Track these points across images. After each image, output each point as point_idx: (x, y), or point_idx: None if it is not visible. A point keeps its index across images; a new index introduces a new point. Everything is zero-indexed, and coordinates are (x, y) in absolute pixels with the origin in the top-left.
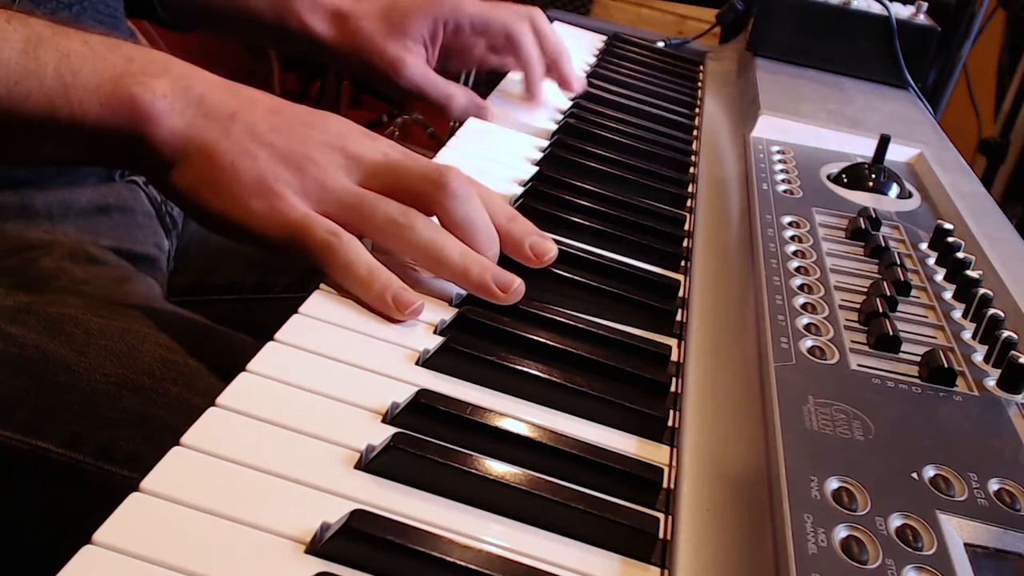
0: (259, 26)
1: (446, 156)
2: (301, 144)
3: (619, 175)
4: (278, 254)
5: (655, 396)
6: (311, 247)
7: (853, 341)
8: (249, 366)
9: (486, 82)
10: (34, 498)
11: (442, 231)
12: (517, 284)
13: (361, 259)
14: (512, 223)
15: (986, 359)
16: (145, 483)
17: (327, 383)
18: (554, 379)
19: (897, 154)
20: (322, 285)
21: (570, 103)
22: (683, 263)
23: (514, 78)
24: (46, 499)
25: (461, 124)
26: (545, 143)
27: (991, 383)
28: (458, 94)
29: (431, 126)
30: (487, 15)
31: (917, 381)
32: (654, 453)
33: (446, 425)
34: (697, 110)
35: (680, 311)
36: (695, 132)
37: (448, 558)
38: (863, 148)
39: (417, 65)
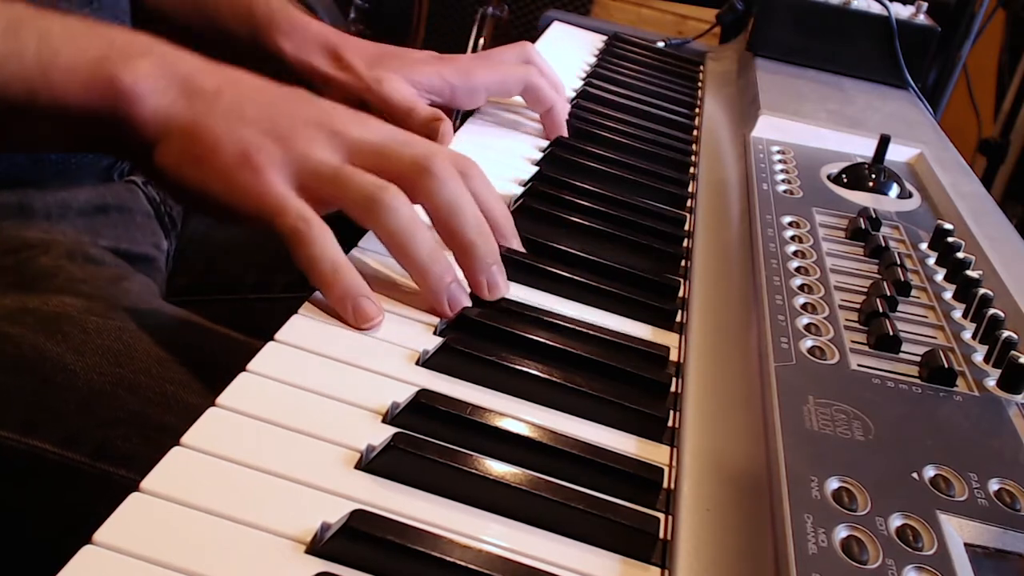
0: (234, 47)
1: None
2: (287, 120)
3: (619, 175)
4: (258, 230)
5: (655, 396)
6: (280, 232)
7: (853, 341)
8: (249, 366)
9: None
10: (31, 497)
11: (418, 222)
12: (464, 307)
13: (327, 255)
14: (506, 219)
15: (986, 359)
16: (145, 483)
17: (327, 383)
18: (554, 379)
19: (897, 154)
20: None
21: (570, 104)
22: (683, 263)
23: None
24: (43, 499)
25: (461, 124)
26: (545, 143)
27: (991, 383)
28: (420, 109)
29: None
30: (502, 82)
31: (917, 381)
32: (654, 453)
33: (446, 425)
34: (697, 110)
35: (680, 311)
36: (695, 132)
37: (448, 558)
38: (863, 148)
39: (397, 89)
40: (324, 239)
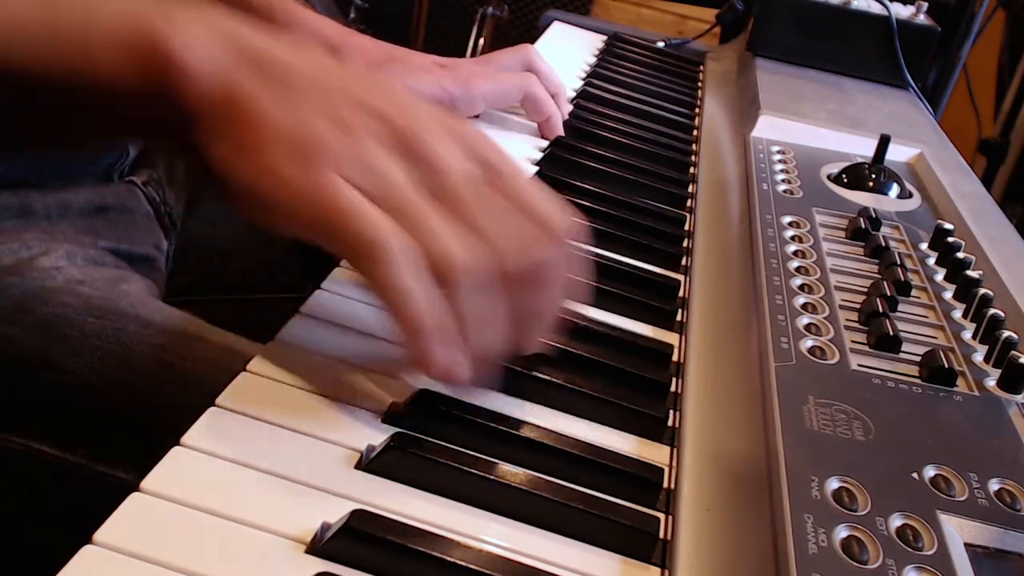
0: None
1: None
2: (351, 111)
3: (619, 175)
4: (309, 241)
5: (655, 396)
6: (352, 240)
7: (853, 341)
8: (249, 366)
9: None
10: (31, 498)
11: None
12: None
13: (417, 288)
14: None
15: (986, 359)
16: (145, 483)
17: (327, 383)
18: (554, 379)
19: (897, 154)
20: (322, 285)
21: (570, 104)
22: (683, 263)
23: None
24: (43, 499)
25: None
26: (545, 143)
27: (991, 383)
28: None
29: None
30: (500, 91)
31: (917, 381)
32: (654, 453)
33: (446, 424)
34: (697, 110)
35: (680, 311)
36: (695, 132)
37: (448, 558)
38: (863, 148)
39: None
40: (413, 265)
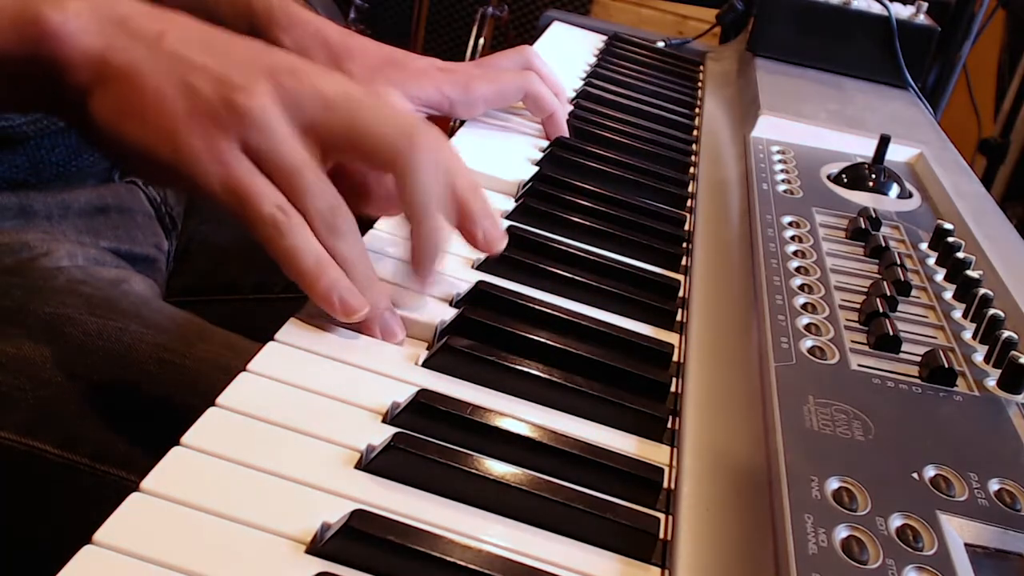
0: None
1: None
2: (240, 70)
3: (619, 175)
4: (206, 201)
5: (655, 396)
6: (253, 219)
7: (853, 341)
8: (249, 366)
9: None
10: (32, 498)
11: (363, 252)
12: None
13: (309, 247)
14: (475, 196)
15: (986, 359)
16: (145, 483)
17: (327, 383)
18: (554, 379)
19: (897, 154)
20: None
21: (570, 104)
22: (683, 263)
23: None
24: (44, 499)
25: (462, 124)
26: (545, 143)
27: (991, 383)
28: None
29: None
30: (499, 91)
31: (917, 381)
32: (654, 453)
33: (446, 425)
34: (697, 110)
35: (680, 311)
36: (695, 132)
37: (448, 558)
38: (863, 148)
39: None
40: (303, 230)
